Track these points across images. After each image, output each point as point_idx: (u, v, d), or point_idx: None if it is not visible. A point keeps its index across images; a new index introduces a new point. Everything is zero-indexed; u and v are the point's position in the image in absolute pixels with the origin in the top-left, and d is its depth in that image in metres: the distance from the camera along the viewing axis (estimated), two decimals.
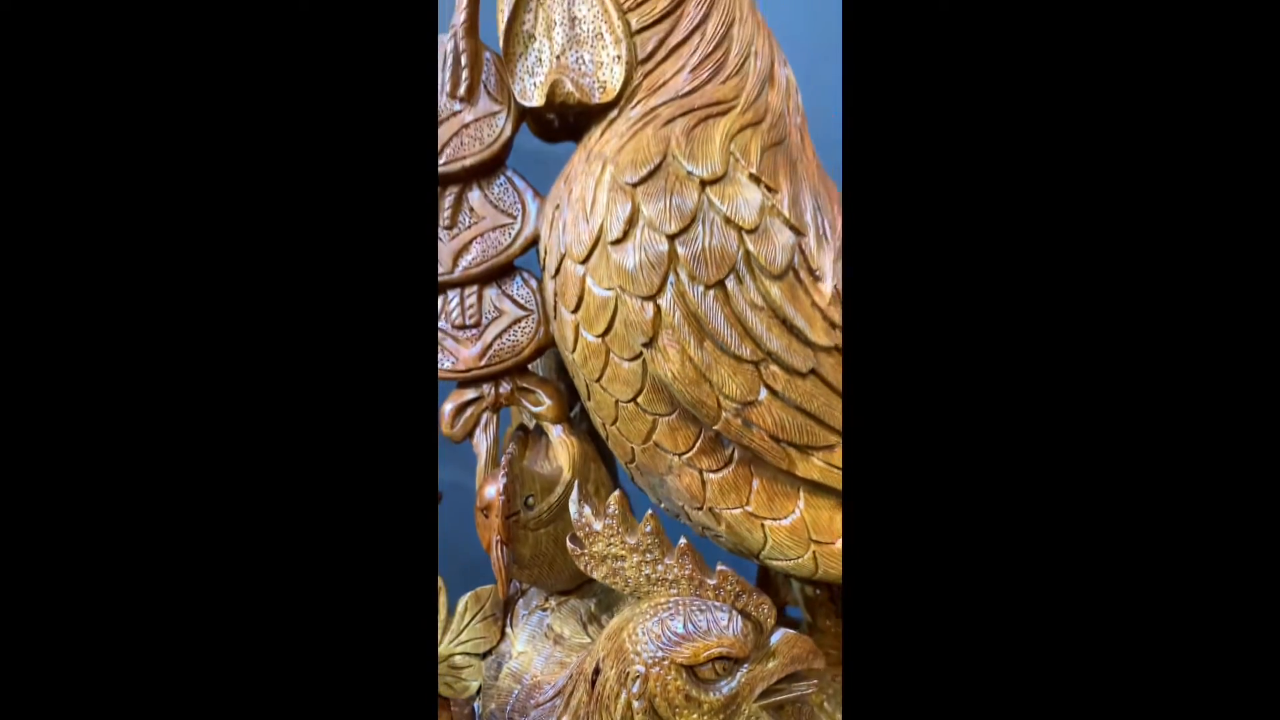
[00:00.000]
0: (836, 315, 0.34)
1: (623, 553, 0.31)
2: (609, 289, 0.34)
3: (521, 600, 0.43)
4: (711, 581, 0.30)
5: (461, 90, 0.39)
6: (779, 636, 0.30)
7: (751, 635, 0.29)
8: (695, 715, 0.29)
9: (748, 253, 0.32)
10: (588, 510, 0.31)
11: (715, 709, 0.29)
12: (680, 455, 0.36)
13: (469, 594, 0.42)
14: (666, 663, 0.29)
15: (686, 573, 0.30)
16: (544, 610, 0.41)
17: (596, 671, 0.32)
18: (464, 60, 0.39)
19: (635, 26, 0.36)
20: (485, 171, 0.39)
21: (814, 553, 0.37)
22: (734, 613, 0.29)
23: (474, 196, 0.39)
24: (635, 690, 0.29)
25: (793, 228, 0.34)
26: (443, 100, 0.39)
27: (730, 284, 0.32)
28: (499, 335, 0.40)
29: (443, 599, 0.42)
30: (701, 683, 0.29)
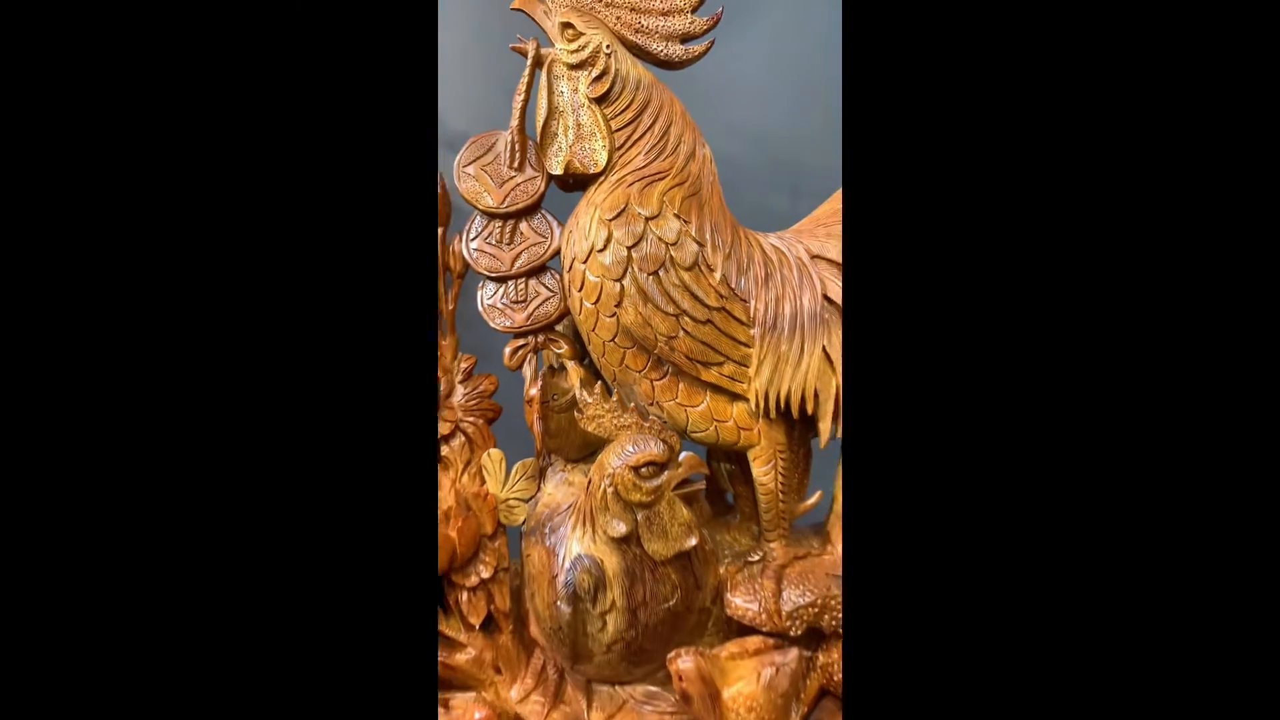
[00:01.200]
0: (724, 290, 0.61)
1: (602, 413, 0.58)
2: (597, 277, 0.61)
3: (550, 468, 0.70)
4: (646, 423, 0.57)
5: (515, 163, 0.67)
6: (683, 456, 0.57)
7: (667, 451, 0.56)
8: (638, 495, 0.56)
9: (670, 256, 0.60)
10: (584, 393, 0.59)
11: (649, 492, 0.56)
12: (640, 372, 0.63)
13: (519, 463, 0.69)
14: (623, 466, 0.56)
15: (634, 420, 0.57)
16: (564, 471, 0.69)
17: (590, 483, 0.59)
18: (516, 147, 0.67)
19: (614, 129, 0.63)
20: (530, 211, 0.67)
21: (715, 427, 0.63)
22: (658, 439, 0.56)
23: (523, 226, 0.67)
24: (607, 483, 0.56)
25: (697, 242, 0.60)
26: (504, 169, 0.67)
27: (661, 273, 0.59)
28: (537, 307, 0.68)
29: (504, 465, 0.69)
30: (641, 478, 0.56)
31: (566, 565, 0.58)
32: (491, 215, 0.67)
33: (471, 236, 0.68)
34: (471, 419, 0.69)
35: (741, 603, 0.61)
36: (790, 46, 1.24)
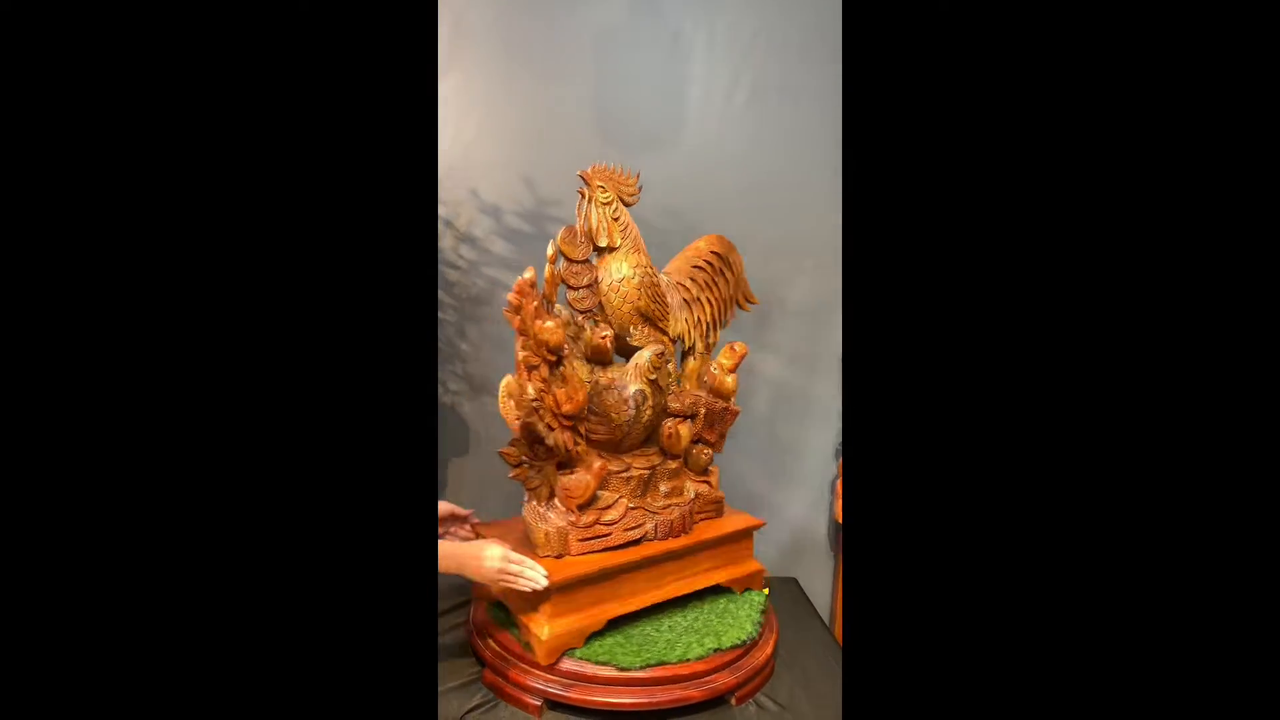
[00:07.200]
0: (658, 293, 1.69)
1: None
2: (617, 290, 1.61)
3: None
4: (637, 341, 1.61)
5: (581, 241, 1.60)
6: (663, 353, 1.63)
7: (665, 350, 1.61)
8: (656, 362, 1.59)
9: (645, 274, 1.64)
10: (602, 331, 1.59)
11: (658, 366, 1.60)
12: (633, 325, 1.65)
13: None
14: (650, 355, 1.58)
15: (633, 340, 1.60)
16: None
17: (631, 363, 1.59)
18: (582, 235, 1.59)
19: (617, 230, 1.63)
20: (585, 261, 1.61)
21: (660, 344, 1.70)
22: (661, 347, 1.61)
23: (584, 264, 1.60)
24: (642, 363, 1.58)
25: (648, 274, 1.67)
26: (578, 243, 1.59)
27: (642, 279, 1.64)
28: (590, 298, 1.61)
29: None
30: (656, 361, 1.59)
31: (629, 394, 1.56)
32: (571, 260, 1.58)
33: (563, 269, 1.57)
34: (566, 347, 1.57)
35: (673, 403, 1.70)
36: (704, 161, 2.19)
